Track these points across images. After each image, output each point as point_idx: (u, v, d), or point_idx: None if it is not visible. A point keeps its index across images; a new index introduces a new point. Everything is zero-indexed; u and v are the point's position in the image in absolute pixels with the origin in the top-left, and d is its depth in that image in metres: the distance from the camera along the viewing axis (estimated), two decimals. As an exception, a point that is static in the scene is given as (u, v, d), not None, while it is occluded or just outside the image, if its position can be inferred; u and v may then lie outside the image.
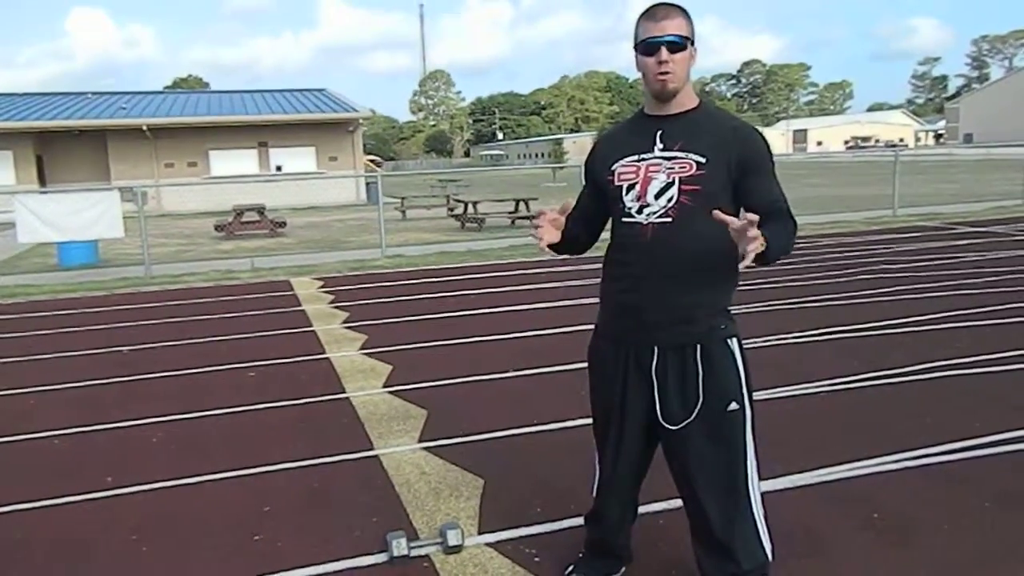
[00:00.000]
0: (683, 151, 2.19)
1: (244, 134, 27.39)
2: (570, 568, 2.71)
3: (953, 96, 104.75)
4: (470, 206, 16.71)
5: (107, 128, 26.35)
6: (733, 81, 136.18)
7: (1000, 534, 2.93)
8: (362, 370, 5.51)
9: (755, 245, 1.88)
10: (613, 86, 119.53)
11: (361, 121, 29.28)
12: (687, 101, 2.25)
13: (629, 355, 2.32)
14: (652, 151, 2.23)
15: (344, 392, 5.01)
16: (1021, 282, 7.66)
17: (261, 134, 27.73)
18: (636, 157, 2.26)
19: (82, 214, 10.80)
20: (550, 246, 2.31)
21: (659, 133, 2.24)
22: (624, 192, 2.26)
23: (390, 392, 4.96)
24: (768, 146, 2.25)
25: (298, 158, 28.03)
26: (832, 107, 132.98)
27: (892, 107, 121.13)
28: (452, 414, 4.43)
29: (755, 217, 1.91)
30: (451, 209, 18.61)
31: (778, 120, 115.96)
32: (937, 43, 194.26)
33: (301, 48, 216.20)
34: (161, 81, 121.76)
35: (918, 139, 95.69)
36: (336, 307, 7.95)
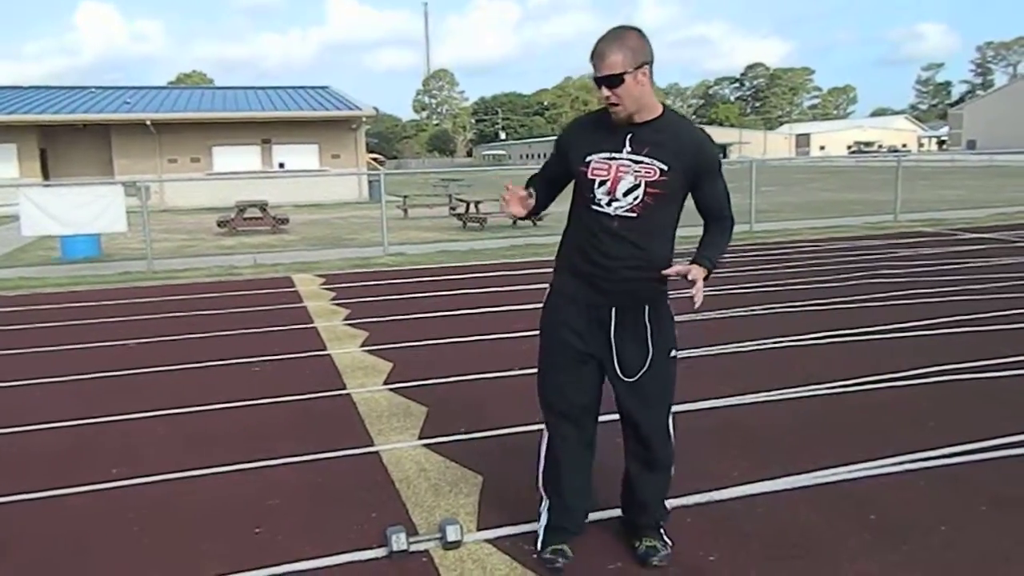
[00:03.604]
0: (649, 157, 2.56)
1: (247, 131, 27.39)
2: (541, 543, 2.87)
3: (957, 102, 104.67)
4: (472, 205, 16.72)
5: (111, 122, 26.35)
6: (737, 84, 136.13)
7: (996, 537, 2.94)
8: (363, 367, 5.53)
9: (698, 287, 2.60)
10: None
11: (364, 119, 29.30)
12: (651, 111, 2.57)
13: (591, 314, 2.71)
14: (622, 152, 2.58)
15: (345, 389, 5.03)
16: (1023, 288, 7.67)
17: (264, 131, 27.73)
18: (608, 155, 2.60)
19: (85, 208, 10.81)
20: (522, 216, 2.80)
21: (629, 137, 2.58)
22: (596, 185, 2.61)
23: (391, 389, 4.97)
24: (717, 152, 2.69)
25: (301, 155, 28.04)
26: (835, 112, 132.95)
27: (895, 112, 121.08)
28: (452, 411, 4.44)
29: (695, 273, 2.61)
30: (453, 208, 18.61)
31: (781, 124, 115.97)
32: (942, 49, 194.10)
33: (306, 45, 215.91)
34: (166, 77, 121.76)
35: (921, 145, 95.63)
36: (337, 304, 7.96)
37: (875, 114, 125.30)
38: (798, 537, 2.97)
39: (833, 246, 11.45)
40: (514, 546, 2.94)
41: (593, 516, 3.10)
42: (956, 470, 3.55)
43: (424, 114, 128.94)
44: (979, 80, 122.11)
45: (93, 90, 31.62)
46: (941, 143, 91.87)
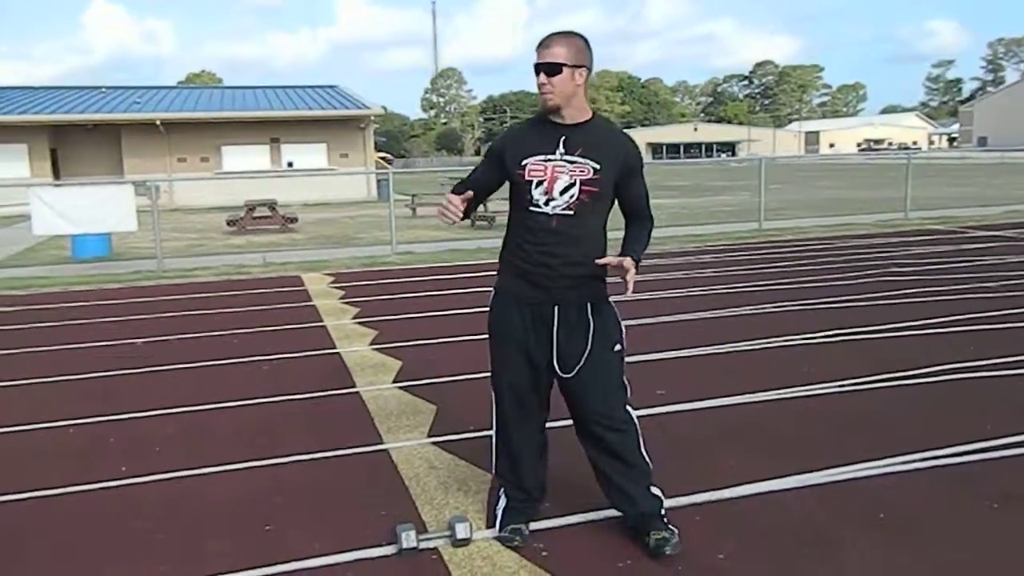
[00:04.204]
0: (582, 157, 2.73)
1: (256, 130, 27.48)
2: (499, 524, 3.00)
3: (967, 99, 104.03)
4: (481, 204, 16.71)
5: (121, 122, 26.50)
6: (746, 82, 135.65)
7: (1005, 535, 2.93)
8: (372, 365, 5.55)
9: (631, 275, 2.66)
10: (625, 85, 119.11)
11: (372, 118, 29.34)
12: (582, 114, 2.77)
13: (534, 314, 2.83)
14: (555, 153, 2.74)
15: (354, 387, 5.05)
16: (1033, 286, 7.63)
17: (273, 130, 27.81)
18: (543, 157, 2.75)
19: (96, 207, 10.85)
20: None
21: (562, 139, 2.75)
22: (533, 186, 2.75)
23: (400, 387, 4.99)
24: (640, 154, 2.88)
25: (309, 154, 28.10)
26: (845, 109, 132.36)
27: (906, 110, 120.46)
28: (461, 409, 4.45)
29: (628, 264, 2.66)
30: (461, 207, 18.59)
31: (790, 121, 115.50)
32: (952, 46, 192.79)
33: (315, 45, 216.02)
34: (176, 76, 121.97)
35: (931, 142, 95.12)
36: (346, 303, 7.99)
37: (885, 111, 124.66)
38: (808, 535, 2.97)
39: (843, 244, 11.41)
40: (523, 543, 2.95)
41: (600, 514, 3.11)
42: (966, 468, 3.53)
43: (432, 113, 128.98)
44: (990, 77, 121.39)
45: (103, 90, 31.76)
46: (952, 140, 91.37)
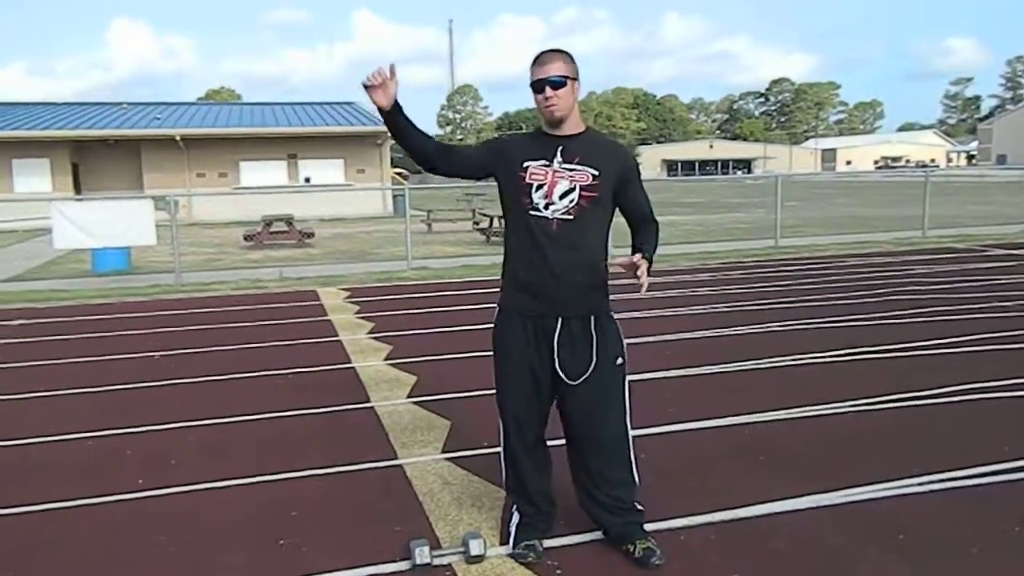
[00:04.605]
0: (581, 164, 2.82)
1: (274, 146, 27.74)
2: (513, 541, 3.00)
3: (986, 117, 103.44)
4: (495, 220, 16.76)
5: (141, 138, 26.82)
6: (762, 99, 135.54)
7: (1028, 559, 2.89)
8: (387, 380, 5.56)
9: (642, 270, 2.68)
10: (640, 103, 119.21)
11: (389, 134, 29.52)
12: (578, 126, 2.88)
13: (537, 326, 2.87)
14: (553, 163, 2.83)
15: (369, 401, 5.06)
16: (1054, 306, 7.54)
17: (291, 146, 28.06)
18: (544, 162, 2.84)
19: (116, 221, 10.98)
20: (386, 111, 2.90)
21: (560, 148, 2.84)
22: (534, 189, 2.83)
23: (414, 402, 4.99)
24: (636, 161, 3.00)
25: (327, 170, 28.30)
26: (862, 126, 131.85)
27: (923, 127, 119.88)
28: (475, 425, 4.45)
29: (640, 261, 2.68)
30: (476, 223, 18.67)
31: (806, 139, 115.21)
32: (971, 63, 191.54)
33: (333, 61, 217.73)
34: (196, 92, 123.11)
35: (950, 160, 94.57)
36: (362, 317, 8.02)
37: (902, 129, 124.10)
38: (825, 556, 2.93)
39: (860, 262, 11.33)
40: (537, 560, 2.93)
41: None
42: (986, 490, 3.49)
43: (448, 129, 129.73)
44: (1009, 95, 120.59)
45: (124, 106, 32.18)
46: (970, 158, 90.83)
